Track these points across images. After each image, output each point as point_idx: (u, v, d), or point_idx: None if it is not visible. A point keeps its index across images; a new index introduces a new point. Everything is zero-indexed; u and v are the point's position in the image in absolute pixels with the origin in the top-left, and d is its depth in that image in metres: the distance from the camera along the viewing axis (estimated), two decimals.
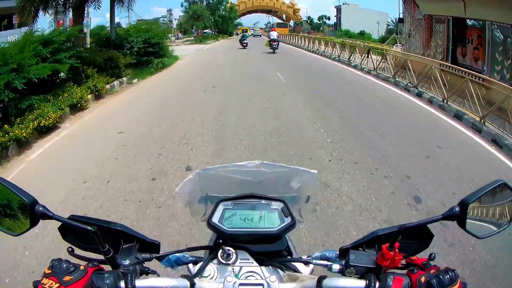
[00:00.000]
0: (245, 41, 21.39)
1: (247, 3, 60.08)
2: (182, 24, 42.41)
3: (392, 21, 45.16)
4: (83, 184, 3.44)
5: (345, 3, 55.41)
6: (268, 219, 0.74)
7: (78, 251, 0.66)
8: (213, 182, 0.84)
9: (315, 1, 76.91)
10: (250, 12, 62.44)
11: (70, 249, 0.65)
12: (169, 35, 31.29)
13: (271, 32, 19.49)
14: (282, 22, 59.22)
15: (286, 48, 22.38)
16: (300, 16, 61.45)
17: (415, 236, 0.67)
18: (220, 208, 0.75)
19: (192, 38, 37.73)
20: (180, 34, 45.04)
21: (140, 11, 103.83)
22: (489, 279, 2.15)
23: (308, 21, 61.51)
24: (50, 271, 0.56)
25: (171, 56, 14.44)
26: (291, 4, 61.15)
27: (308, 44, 20.89)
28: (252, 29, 54.19)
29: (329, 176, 3.50)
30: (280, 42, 18.86)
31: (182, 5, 41.58)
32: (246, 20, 65.90)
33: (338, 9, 56.58)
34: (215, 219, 0.74)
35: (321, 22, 60.73)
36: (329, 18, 59.57)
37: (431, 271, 0.57)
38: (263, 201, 0.75)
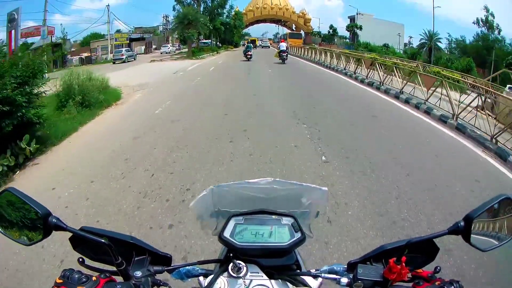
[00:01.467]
0: (249, 53, 21.26)
1: (255, 12, 56.15)
2: (173, 32, 34.35)
3: (425, 33, 40.04)
4: None
5: (359, 13, 51.15)
6: (278, 234, 0.75)
7: (88, 261, 0.66)
8: (225, 197, 0.82)
9: (322, 12, 72.95)
10: (258, 21, 58.55)
11: (80, 259, 0.65)
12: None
13: (280, 44, 21.83)
14: (295, 32, 54.49)
15: (310, 68, 16.90)
16: (311, 27, 56.90)
17: (421, 250, 0.69)
18: (232, 223, 0.76)
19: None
20: (180, 45, 39.89)
21: (145, 19, 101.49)
22: None
23: (331, 31, 55.32)
24: (61, 281, 0.57)
25: (90, 103, 7.12)
26: (302, 14, 57.04)
27: (349, 67, 14.24)
28: (260, 40, 50.82)
29: None
30: (296, 58, 19.62)
31: (174, 9, 33.64)
32: (254, 30, 62.02)
33: (352, 19, 52.30)
34: (227, 234, 0.75)
35: (350, 31, 53.39)
36: (360, 28, 51.22)
37: (436, 283, 0.60)
38: (273, 217, 0.77)
